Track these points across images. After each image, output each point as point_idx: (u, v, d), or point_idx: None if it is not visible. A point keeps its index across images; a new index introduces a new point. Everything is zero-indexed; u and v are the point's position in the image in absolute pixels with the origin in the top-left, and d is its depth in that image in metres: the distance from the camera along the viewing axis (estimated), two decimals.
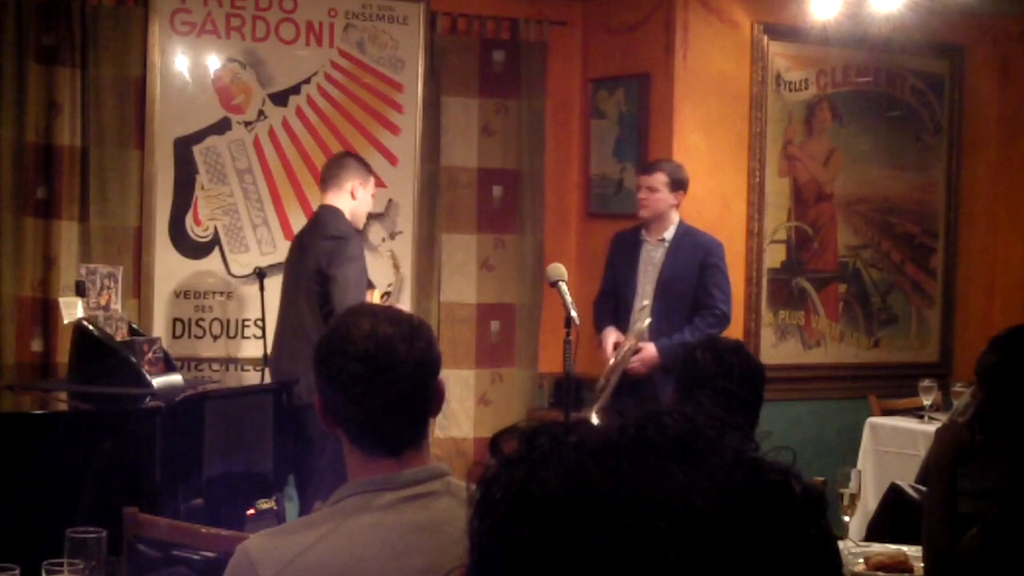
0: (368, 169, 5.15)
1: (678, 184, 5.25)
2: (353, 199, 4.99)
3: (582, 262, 6.38)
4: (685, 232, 5.31)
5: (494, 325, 6.37)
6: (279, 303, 5.15)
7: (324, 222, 4.98)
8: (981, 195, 6.93)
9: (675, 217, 5.30)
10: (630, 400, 5.09)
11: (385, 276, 5.84)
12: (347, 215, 4.97)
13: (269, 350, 5.29)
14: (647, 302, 5.18)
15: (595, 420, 4.82)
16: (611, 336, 5.19)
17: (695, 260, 5.22)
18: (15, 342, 5.53)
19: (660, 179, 5.21)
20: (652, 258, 5.25)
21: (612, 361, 5.08)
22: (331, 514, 1.99)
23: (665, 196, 5.22)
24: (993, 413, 2.83)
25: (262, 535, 2.01)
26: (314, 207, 5.39)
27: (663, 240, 5.27)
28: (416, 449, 2.03)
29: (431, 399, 2.05)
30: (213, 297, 5.89)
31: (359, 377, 1.97)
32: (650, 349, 5.11)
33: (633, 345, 5.08)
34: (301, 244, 5.08)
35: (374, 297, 5.10)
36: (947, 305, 6.90)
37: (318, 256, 4.86)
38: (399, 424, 2.01)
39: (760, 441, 0.86)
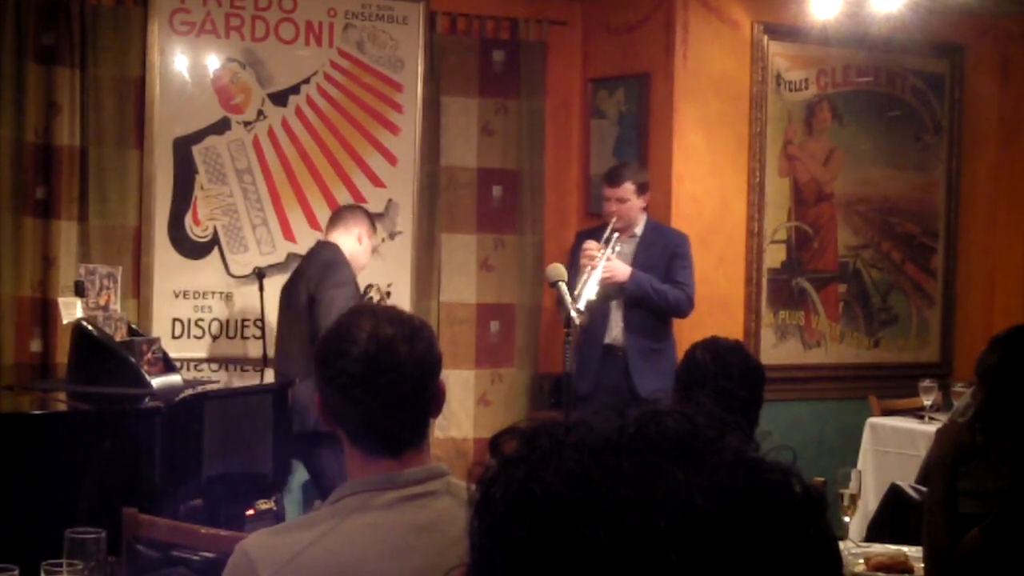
0: (374, 225, 5.36)
1: (644, 188, 5.43)
2: (359, 244, 5.16)
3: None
4: (654, 227, 5.51)
5: (494, 325, 6.36)
6: (276, 329, 5.22)
7: (318, 252, 5.14)
8: (981, 195, 6.93)
9: (643, 215, 5.45)
10: (606, 386, 5.19)
11: (392, 275, 5.86)
12: (347, 254, 5.09)
13: (271, 351, 5.31)
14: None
15: (580, 311, 4.86)
16: (590, 243, 5.24)
17: (666, 252, 5.40)
18: (14, 342, 5.53)
19: (628, 189, 5.36)
20: (623, 253, 5.32)
21: (589, 262, 5.14)
22: (330, 513, 1.99)
23: (635, 203, 5.40)
24: (994, 413, 2.82)
25: (261, 534, 2.01)
26: (313, 207, 5.44)
27: (634, 236, 5.43)
28: (416, 449, 2.03)
29: (431, 400, 2.05)
30: (212, 297, 5.89)
31: (360, 377, 1.97)
32: (624, 266, 5.27)
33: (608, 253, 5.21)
34: (296, 275, 5.19)
35: None
36: (947, 305, 6.90)
37: (308, 282, 4.98)
38: (399, 425, 2.01)
39: (760, 441, 0.86)
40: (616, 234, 5.27)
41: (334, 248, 5.10)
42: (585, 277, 5.08)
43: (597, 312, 5.23)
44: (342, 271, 4.95)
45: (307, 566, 1.90)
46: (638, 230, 5.43)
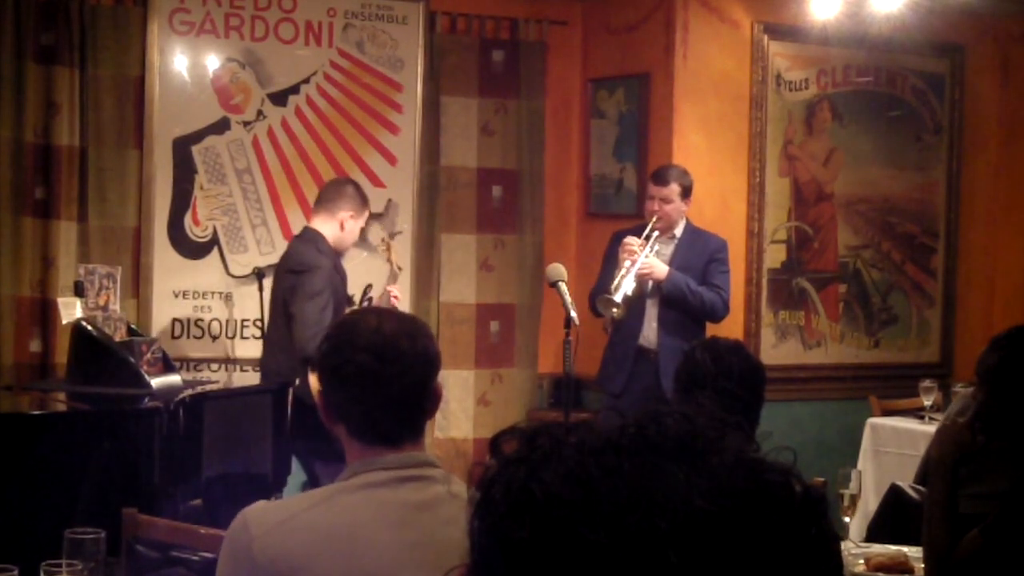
0: (365, 202, 4.94)
1: (688, 191, 5.36)
2: (341, 230, 4.82)
3: (582, 262, 6.37)
4: (693, 231, 5.44)
5: (494, 325, 6.36)
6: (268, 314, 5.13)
7: (292, 251, 4.87)
8: (981, 195, 6.93)
9: (683, 218, 5.41)
10: (637, 387, 5.17)
11: (380, 276, 5.84)
12: (330, 241, 4.82)
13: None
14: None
15: (617, 303, 4.84)
16: (631, 238, 5.21)
17: (704, 256, 5.35)
18: (14, 342, 5.52)
19: (674, 190, 5.29)
20: (661, 253, 5.29)
21: (629, 257, 5.13)
22: (330, 488, 2.07)
23: (678, 205, 5.33)
24: (994, 413, 2.82)
25: (262, 502, 2.09)
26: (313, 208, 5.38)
27: (673, 237, 5.37)
28: (413, 444, 2.09)
29: (430, 398, 2.11)
30: (212, 297, 5.88)
31: (365, 369, 2.04)
32: (663, 264, 5.22)
33: (647, 250, 5.19)
34: (276, 274, 4.99)
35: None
36: (947, 305, 6.90)
37: (283, 289, 4.78)
38: (399, 419, 2.07)
39: (761, 442, 0.86)
40: (656, 233, 5.24)
41: (311, 240, 4.81)
42: (623, 271, 5.07)
43: (633, 311, 5.21)
44: (313, 279, 4.65)
45: (300, 528, 1.96)
46: (677, 232, 5.37)
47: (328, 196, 4.89)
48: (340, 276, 4.88)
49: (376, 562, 1.95)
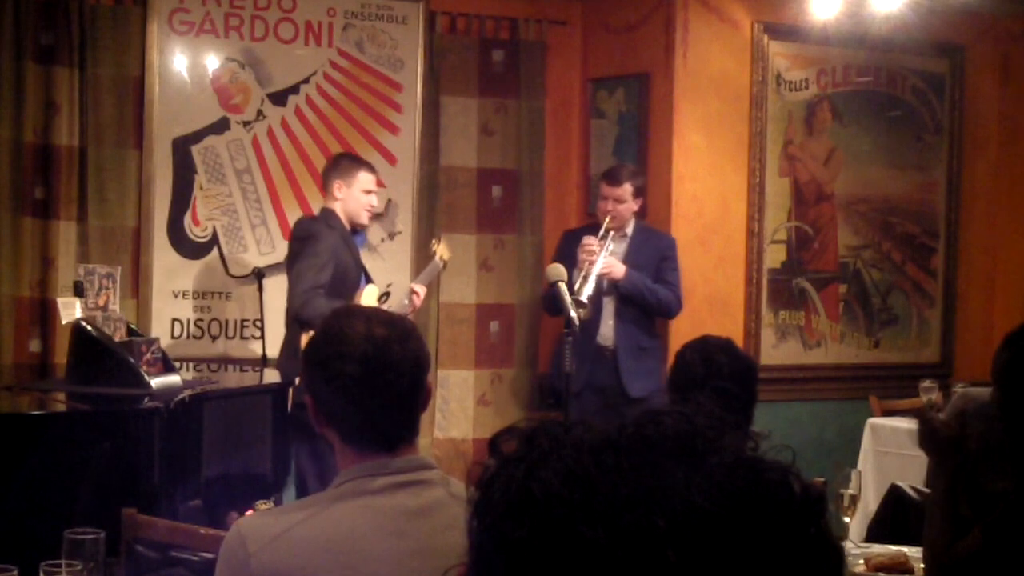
0: (356, 166, 5.11)
1: (640, 191, 5.58)
2: (336, 199, 5.03)
3: None
4: (643, 229, 5.62)
5: (493, 325, 6.36)
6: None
7: (298, 224, 5.13)
8: (982, 195, 6.92)
9: (633, 217, 5.57)
10: (595, 385, 5.25)
11: (391, 275, 5.85)
12: (340, 215, 5.02)
13: (271, 351, 5.31)
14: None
15: (584, 304, 4.96)
16: (590, 238, 5.33)
17: (656, 254, 5.51)
18: (13, 342, 5.52)
19: (627, 190, 5.49)
20: (614, 252, 5.45)
21: (589, 257, 5.25)
22: (324, 496, 2.05)
23: (630, 205, 5.51)
24: (1011, 411, 2.79)
25: (256, 514, 2.08)
26: (313, 207, 5.45)
27: (625, 235, 5.52)
28: (409, 445, 2.08)
29: (422, 398, 2.11)
30: (212, 297, 5.88)
31: (359, 379, 2.02)
32: (620, 264, 5.38)
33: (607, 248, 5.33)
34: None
35: (364, 296, 5.07)
36: (948, 305, 6.90)
37: (289, 258, 5.02)
38: (396, 422, 2.06)
39: (760, 441, 0.86)
40: (611, 232, 5.34)
41: (322, 217, 5.03)
42: (584, 272, 5.14)
43: (590, 310, 5.28)
44: (315, 244, 4.86)
45: (297, 541, 1.94)
46: (628, 230, 5.52)
47: (323, 175, 5.17)
48: (350, 251, 5.03)
49: (376, 573, 1.94)
